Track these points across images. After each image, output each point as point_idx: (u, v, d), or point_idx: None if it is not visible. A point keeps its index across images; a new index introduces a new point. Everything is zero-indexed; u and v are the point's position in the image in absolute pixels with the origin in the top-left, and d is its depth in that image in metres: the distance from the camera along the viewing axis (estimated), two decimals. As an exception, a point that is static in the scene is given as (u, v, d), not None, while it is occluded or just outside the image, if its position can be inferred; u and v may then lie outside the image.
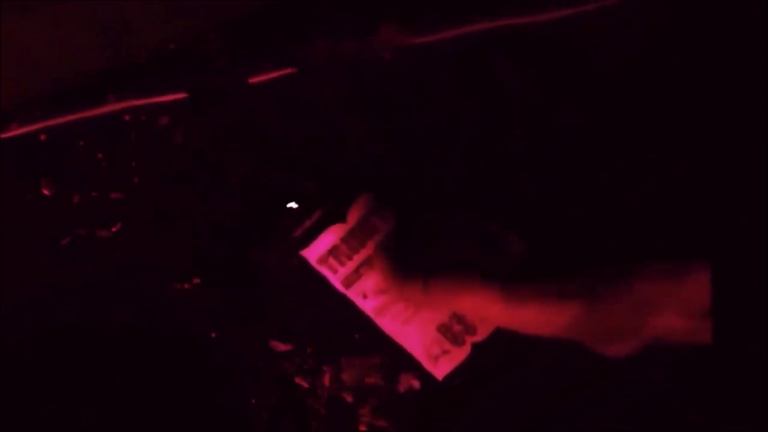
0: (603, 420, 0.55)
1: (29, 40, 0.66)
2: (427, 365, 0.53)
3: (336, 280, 0.55)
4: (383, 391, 0.60)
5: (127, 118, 0.70)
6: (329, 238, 0.55)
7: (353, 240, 0.55)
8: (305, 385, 0.60)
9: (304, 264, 0.55)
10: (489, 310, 0.49)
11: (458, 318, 0.53)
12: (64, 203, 0.67)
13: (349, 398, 0.60)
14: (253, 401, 0.60)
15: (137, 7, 0.68)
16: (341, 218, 0.55)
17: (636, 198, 0.63)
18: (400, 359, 0.59)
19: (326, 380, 0.60)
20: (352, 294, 0.54)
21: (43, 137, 0.70)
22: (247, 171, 0.66)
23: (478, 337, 0.52)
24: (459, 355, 0.52)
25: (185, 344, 0.62)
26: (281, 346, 0.62)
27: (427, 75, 0.69)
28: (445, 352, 0.53)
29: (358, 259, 0.54)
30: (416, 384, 0.59)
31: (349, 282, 0.54)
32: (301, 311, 0.63)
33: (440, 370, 0.53)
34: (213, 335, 0.63)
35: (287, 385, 0.61)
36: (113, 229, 0.66)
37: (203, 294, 0.64)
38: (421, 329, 0.53)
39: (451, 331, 0.53)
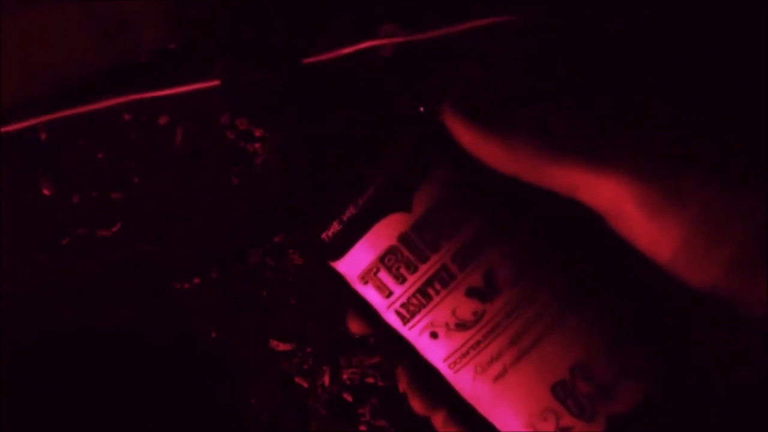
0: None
1: (29, 40, 0.66)
2: None
3: (388, 310, 0.33)
4: (383, 391, 0.60)
5: (127, 117, 0.70)
6: (381, 237, 0.32)
7: (421, 240, 0.32)
8: (305, 385, 0.60)
9: (339, 283, 0.35)
10: (629, 208, 0.30)
11: (585, 371, 0.30)
12: (64, 203, 0.67)
13: (349, 398, 0.60)
14: (253, 401, 0.60)
15: (137, 7, 0.68)
16: (403, 205, 0.33)
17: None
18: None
19: (326, 380, 0.60)
20: (414, 332, 0.33)
21: (43, 137, 0.70)
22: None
23: (619, 406, 0.30)
24: None
25: (185, 344, 0.62)
26: (281, 346, 0.62)
27: (427, 73, 0.69)
28: (564, 430, 0.31)
29: (427, 271, 0.32)
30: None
31: (410, 311, 0.32)
32: (301, 311, 0.63)
33: None
34: (213, 335, 0.63)
35: (287, 385, 0.61)
36: (113, 229, 0.66)
37: (203, 294, 0.64)
38: (523, 390, 0.31)
39: (574, 394, 0.30)
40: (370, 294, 0.33)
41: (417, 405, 0.35)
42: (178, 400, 0.60)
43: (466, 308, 0.31)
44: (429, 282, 0.32)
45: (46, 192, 0.68)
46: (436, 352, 0.32)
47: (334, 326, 0.62)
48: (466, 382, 0.32)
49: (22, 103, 0.69)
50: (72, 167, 0.68)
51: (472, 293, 0.31)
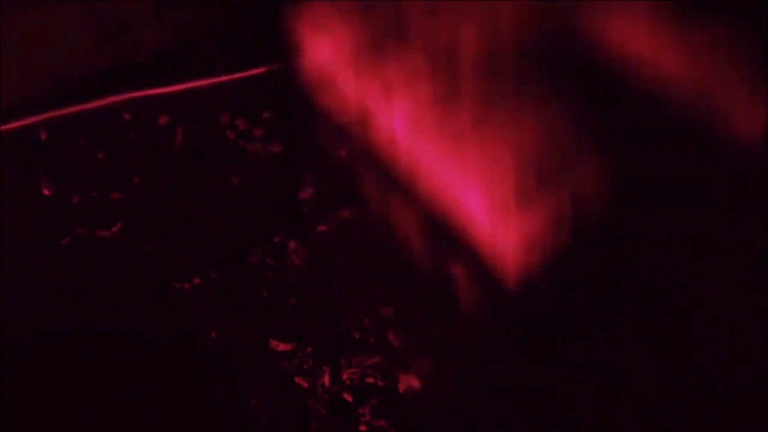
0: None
1: (29, 40, 0.66)
2: (487, 233, 0.28)
3: (347, 67, 0.30)
4: (383, 391, 0.60)
5: (127, 117, 0.70)
6: None
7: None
8: (305, 385, 0.60)
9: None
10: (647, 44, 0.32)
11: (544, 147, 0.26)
12: (64, 203, 0.67)
13: (349, 398, 0.60)
14: (253, 401, 0.60)
15: (137, 8, 0.68)
16: None
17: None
18: (400, 359, 0.59)
19: (326, 380, 0.60)
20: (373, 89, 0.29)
21: (43, 136, 0.70)
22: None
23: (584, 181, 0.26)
24: (543, 218, 0.27)
25: (185, 344, 0.62)
26: (281, 346, 0.62)
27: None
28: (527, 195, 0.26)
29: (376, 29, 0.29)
30: (416, 384, 0.59)
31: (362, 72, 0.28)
32: (301, 311, 0.63)
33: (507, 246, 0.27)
34: (213, 335, 0.62)
35: (287, 385, 0.61)
36: (113, 229, 0.66)
37: (203, 294, 0.64)
38: (483, 157, 0.28)
39: (536, 165, 0.26)
40: (319, 44, 0.30)
41: (369, 180, 0.35)
42: (178, 400, 0.60)
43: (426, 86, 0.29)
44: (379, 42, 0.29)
45: (46, 192, 0.68)
46: (395, 116, 0.31)
47: (334, 326, 0.62)
48: (426, 151, 0.31)
49: (22, 102, 0.69)
50: (72, 167, 0.69)
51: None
